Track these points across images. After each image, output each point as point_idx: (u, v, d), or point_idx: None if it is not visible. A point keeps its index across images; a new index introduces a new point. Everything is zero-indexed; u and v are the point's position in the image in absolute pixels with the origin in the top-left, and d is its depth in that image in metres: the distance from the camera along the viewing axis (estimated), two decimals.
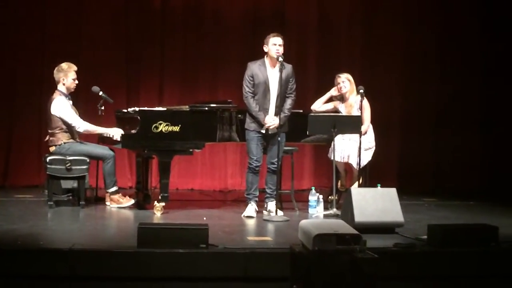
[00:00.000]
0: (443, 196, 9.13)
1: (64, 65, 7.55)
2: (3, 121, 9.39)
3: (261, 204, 7.28)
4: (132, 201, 7.56)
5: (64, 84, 7.50)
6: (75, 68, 7.57)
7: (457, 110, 10.12)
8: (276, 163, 7.13)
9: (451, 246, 5.42)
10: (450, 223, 6.64)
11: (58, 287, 4.97)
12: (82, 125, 7.42)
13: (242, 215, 7.13)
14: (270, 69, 7.11)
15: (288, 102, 7.15)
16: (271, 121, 7.05)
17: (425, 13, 10.20)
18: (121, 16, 9.74)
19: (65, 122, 7.39)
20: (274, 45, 7.05)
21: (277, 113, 7.01)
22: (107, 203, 7.56)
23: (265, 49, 7.13)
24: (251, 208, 7.13)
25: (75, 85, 7.58)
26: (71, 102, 7.55)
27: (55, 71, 7.55)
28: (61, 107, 7.40)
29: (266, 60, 7.15)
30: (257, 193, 7.22)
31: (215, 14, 9.96)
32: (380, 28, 10.18)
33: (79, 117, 7.47)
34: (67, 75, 7.50)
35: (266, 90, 7.09)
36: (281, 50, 7.04)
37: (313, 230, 4.61)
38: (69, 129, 7.43)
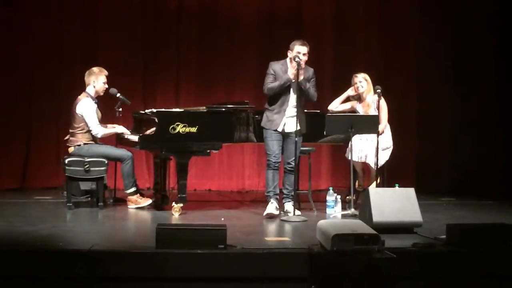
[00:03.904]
0: (461, 195, 9.08)
1: (95, 68, 7.66)
2: (21, 124, 9.45)
3: (279, 204, 7.28)
4: (150, 201, 7.59)
5: (94, 87, 7.58)
6: (106, 72, 7.68)
7: (473, 109, 10.06)
8: (292, 163, 7.13)
9: (470, 245, 5.40)
10: (469, 222, 6.61)
11: (78, 287, 5.00)
12: (99, 131, 7.48)
13: (264, 213, 7.12)
14: (292, 71, 7.10)
15: (311, 90, 7.14)
16: (293, 67, 7.00)
17: (440, 13, 10.15)
18: (137, 18, 9.77)
19: (86, 123, 7.45)
20: (299, 53, 7.03)
21: (297, 115, 7.01)
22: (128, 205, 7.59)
23: (289, 54, 7.11)
24: (272, 206, 7.11)
25: (105, 89, 7.66)
26: (97, 105, 7.62)
27: (86, 74, 7.64)
28: (87, 108, 7.48)
29: (289, 64, 7.14)
30: (278, 191, 7.21)
31: (231, 14, 9.96)
32: (396, 27, 10.15)
33: (99, 123, 7.52)
34: (98, 78, 7.59)
35: (286, 90, 7.10)
36: (304, 59, 7.03)
37: (331, 230, 4.61)
38: (90, 130, 7.48)
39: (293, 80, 7.03)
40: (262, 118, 7.23)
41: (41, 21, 9.48)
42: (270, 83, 7.10)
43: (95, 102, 7.61)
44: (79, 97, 7.58)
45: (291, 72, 7.03)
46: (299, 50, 7.05)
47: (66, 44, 9.57)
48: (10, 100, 9.34)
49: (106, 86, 7.68)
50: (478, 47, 10.06)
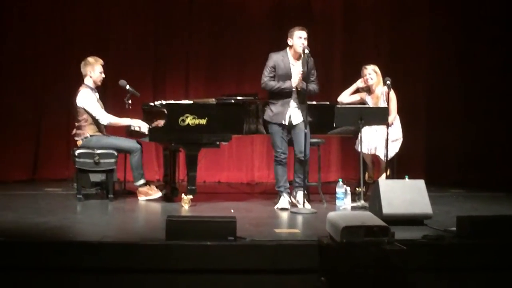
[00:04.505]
0: (472, 187, 9.06)
1: (90, 58, 7.63)
2: (32, 116, 9.49)
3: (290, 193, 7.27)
4: (160, 193, 7.59)
5: (91, 77, 7.58)
6: (101, 61, 7.65)
7: (484, 101, 10.02)
8: (304, 152, 7.09)
9: (480, 237, 5.38)
10: (479, 214, 6.58)
11: (88, 279, 5.00)
12: (105, 118, 7.49)
13: (275, 207, 7.12)
14: (293, 61, 7.10)
15: (312, 86, 7.12)
16: (297, 75, 6.99)
17: (450, 4, 10.10)
18: (147, 10, 9.78)
19: (90, 114, 7.46)
20: (300, 38, 7.02)
21: (301, 106, 7.01)
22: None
23: (289, 42, 7.10)
24: (285, 200, 7.11)
25: (102, 78, 7.65)
26: (97, 95, 7.63)
27: (82, 65, 7.63)
28: (86, 99, 7.48)
29: (289, 52, 7.13)
30: (288, 185, 7.21)
31: (241, 6, 9.96)
32: (405, 19, 10.12)
33: (103, 110, 7.53)
34: (94, 68, 7.58)
35: (289, 81, 7.07)
36: (306, 43, 7.01)
37: (341, 222, 4.61)
38: (95, 121, 7.50)
39: (294, 88, 7.01)
40: (266, 112, 7.21)
41: (51, 10, 9.49)
42: (270, 80, 7.05)
43: (95, 92, 7.61)
44: (78, 89, 7.58)
45: (294, 81, 7.00)
46: (300, 35, 7.02)
47: (76, 36, 9.58)
48: (20, 92, 9.37)
49: (103, 75, 7.65)
50: (487, 37, 10.01)
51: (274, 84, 7.04)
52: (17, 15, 9.38)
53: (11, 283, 4.96)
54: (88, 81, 7.60)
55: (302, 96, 7.01)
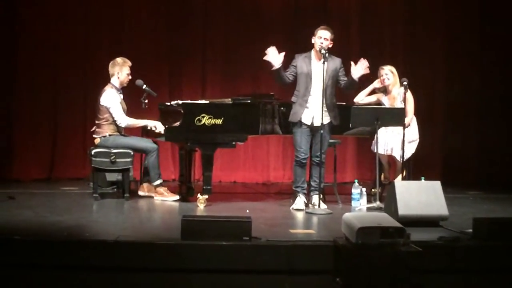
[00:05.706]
0: (489, 189, 9.00)
1: (119, 59, 7.70)
2: (48, 115, 9.52)
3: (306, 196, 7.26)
4: (177, 197, 7.58)
5: (118, 78, 7.63)
6: (129, 63, 7.71)
7: (501, 101, 9.96)
8: (320, 156, 7.09)
9: (496, 239, 5.35)
10: (496, 216, 6.55)
11: (103, 278, 5.02)
12: (124, 120, 7.52)
13: (291, 207, 7.11)
14: (315, 61, 7.09)
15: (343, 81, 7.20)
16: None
17: (467, 3, 10.04)
18: (163, 9, 9.79)
19: (110, 114, 7.50)
20: (320, 38, 7.04)
21: (328, 106, 7.02)
22: (154, 195, 7.61)
23: (313, 40, 7.12)
24: (300, 201, 7.11)
25: (129, 80, 7.70)
26: (121, 96, 7.67)
27: (110, 65, 7.69)
28: (110, 98, 7.53)
29: (313, 52, 7.14)
30: (305, 186, 7.20)
31: (257, 5, 9.94)
32: (422, 17, 10.07)
33: (123, 113, 7.56)
34: (122, 69, 7.63)
35: (308, 82, 7.07)
36: (325, 44, 7.01)
37: (357, 223, 4.60)
38: (115, 122, 7.53)
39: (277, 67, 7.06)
40: (290, 113, 7.20)
41: (66, 10, 9.52)
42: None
43: (120, 93, 7.66)
44: (104, 88, 7.63)
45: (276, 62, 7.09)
46: (321, 35, 7.04)
47: (92, 35, 9.61)
48: (37, 91, 9.41)
49: (130, 77, 7.71)
50: (506, 37, 9.94)
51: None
52: (32, 14, 9.41)
53: (27, 281, 4.99)
54: (114, 81, 7.65)
55: (325, 95, 7.00)
